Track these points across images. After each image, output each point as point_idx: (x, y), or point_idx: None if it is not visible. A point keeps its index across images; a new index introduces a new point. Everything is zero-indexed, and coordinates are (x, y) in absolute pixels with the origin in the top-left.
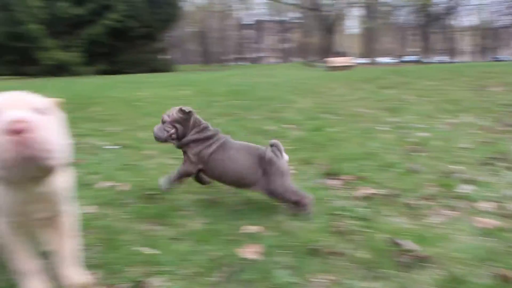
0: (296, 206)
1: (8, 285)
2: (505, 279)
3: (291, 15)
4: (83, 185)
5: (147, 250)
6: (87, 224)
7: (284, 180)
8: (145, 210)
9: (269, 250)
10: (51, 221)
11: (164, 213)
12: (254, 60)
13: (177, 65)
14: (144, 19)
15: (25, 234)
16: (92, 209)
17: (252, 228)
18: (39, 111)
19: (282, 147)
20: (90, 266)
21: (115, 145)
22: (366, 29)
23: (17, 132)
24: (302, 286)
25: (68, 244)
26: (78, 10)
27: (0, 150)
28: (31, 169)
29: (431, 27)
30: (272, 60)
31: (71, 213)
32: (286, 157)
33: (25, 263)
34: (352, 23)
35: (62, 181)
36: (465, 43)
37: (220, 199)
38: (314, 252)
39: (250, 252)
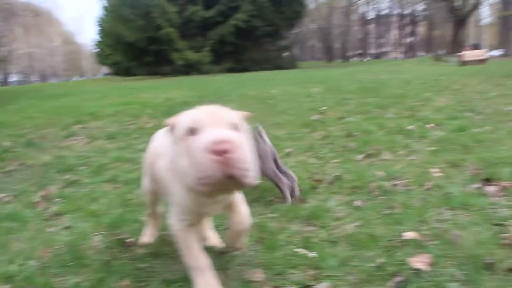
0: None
1: (181, 277)
2: None
3: (416, 7)
4: None
5: (304, 252)
6: None
7: (263, 163)
8: (294, 210)
9: (437, 260)
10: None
11: (315, 214)
12: (377, 56)
13: (301, 62)
14: (269, 18)
15: (197, 231)
16: None
17: (410, 235)
18: (235, 127)
19: (263, 131)
20: (253, 264)
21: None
22: (501, 17)
23: (222, 152)
24: None
25: (240, 212)
26: (208, 13)
27: (204, 168)
28: (230, 186)
29: None
30: (395, 55)
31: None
32: (267, 141)
33: (198, 259)
34: (485, 13)
35: None
36: None
37: (366, 201)
38: (489, 267)
39: (418, 261)
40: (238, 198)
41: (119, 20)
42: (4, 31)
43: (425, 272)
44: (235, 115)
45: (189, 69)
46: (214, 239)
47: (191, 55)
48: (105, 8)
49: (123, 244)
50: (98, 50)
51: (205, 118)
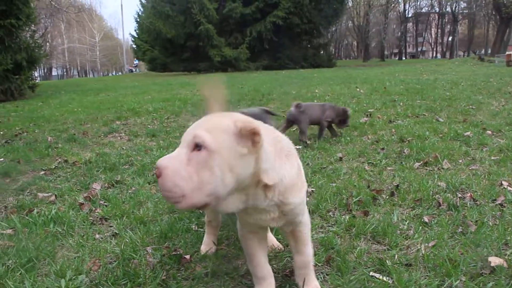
0: None
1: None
2: None
3: (456, 6)
4: None
5: (379, 277)
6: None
7: None
8: (356, 223)
9: None
10: (288, 229)
11: (381, 229)
12: (415, 55)
13: (338, 60)
14: (307, 15)
15: (260, 239)
16: None
17: (497, 261)
18: (197, 146)
19: None
20: None
21: (300, 145)
22: None
23: (157, 176)
24: None
25: (303, 253)
26: (247, 10)
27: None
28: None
29: None
30: (433, 54)
31: (304, 222)
32: None
33: (258, 267)
34: None
35: (294, 195)
36: None
37: (433, 216)
38: None
39: None
40: (304, 234)
41: (158, 16)
42: (48, 27)
43: None
44: (208, 132)
45: (226, 65)
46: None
47: (229, 52)
48: (143, 5)
49: (178, 261)
50: (136, 46)
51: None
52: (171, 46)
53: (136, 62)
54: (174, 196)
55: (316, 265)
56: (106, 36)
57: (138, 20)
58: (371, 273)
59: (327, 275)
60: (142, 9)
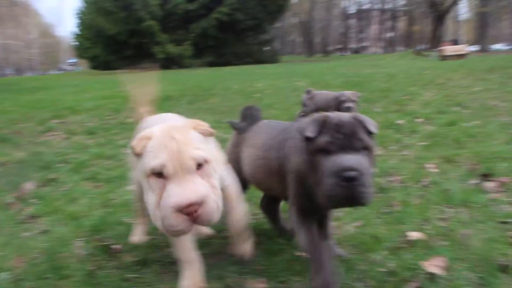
0: None
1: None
2: None
3: (396, 2)
4: None
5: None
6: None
7: None
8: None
9: (450, 263)
10: None
11: None
12: (357, 50)
13: (282, 56)
14: (251, 11)
15: None
16: None
17: (416, 235)
18: (201, 167)
19: None
20: (254, 272)
21: None
22: (478, 14)
23: (190, 213)
24: None
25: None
26: (191, 6)
27: (173, 224)
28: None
29: None
30: (375, 50)
31: (231, 185)
32: None
33: (187, 252)
34: (463, 8)
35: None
36: None
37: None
38: (504, 269)
39: (432, 265)
40: (235, 195)
41: (99, 12)
42: None
43: (441, 276)
44: (198, 148)
45: (170, 63)
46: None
47: (173, 49)
48: (85, 0)
49: (108, 251)
50: (77, 43)
51: (170, 164)
52: (114, 43)
53: (72, 60)
54: (214, 218)
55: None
56: (44, 33)
57: (79, 16)
58: (297, 253)
59: (257, 257)
60: (83, 5)
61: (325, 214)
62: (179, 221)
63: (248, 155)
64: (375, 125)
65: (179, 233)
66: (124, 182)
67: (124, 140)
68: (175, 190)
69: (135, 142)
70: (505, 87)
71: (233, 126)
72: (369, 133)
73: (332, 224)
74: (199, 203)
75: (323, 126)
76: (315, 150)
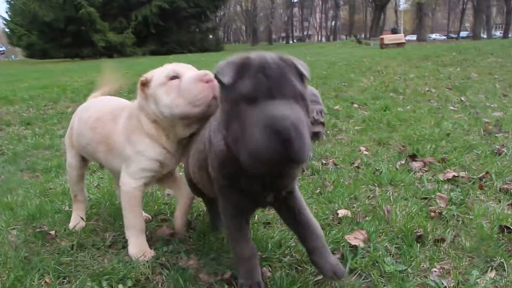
0: None
1: (111, 269)
2: None
3: None
4: None
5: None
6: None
7: None
8: None
9: (372, 236)
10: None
11: None
12: (301, 38)
13: (226, 45)
14: None
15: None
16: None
17: (344, 212)
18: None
19: None
20: (186, 251)
21: None
22: (415, 4)
23: (209, 80)
24: (413, 275)
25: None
26: None
27: (199, 93)
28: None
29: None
30: (318, 38)
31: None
32: None
33: (138, 219)
34: None
35: None
36: None
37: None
38: (419, 239)
39: (354, 238)
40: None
41: None
42: None
43: (362, 248)
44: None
45: (111, 51)
46: None
47: (113, 37)
48: None
49: (44, 238)
50: (9, 30)
51: (181, 67)
52: (50, 30)
53: (2, 48)
54: None
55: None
56: None
57: (9, 1)
58: None
59: (190, 238)
60: None
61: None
62: (202, 88)
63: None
64: (307, 69)
65: (203, 102)
66: (62, 171)
67: (63, 130)
68: (191, 73)
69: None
70: (437, 74)
71: None
72: (302, 78)
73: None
74: (210, 74)
75: (244, 69)
76: (235, 100)
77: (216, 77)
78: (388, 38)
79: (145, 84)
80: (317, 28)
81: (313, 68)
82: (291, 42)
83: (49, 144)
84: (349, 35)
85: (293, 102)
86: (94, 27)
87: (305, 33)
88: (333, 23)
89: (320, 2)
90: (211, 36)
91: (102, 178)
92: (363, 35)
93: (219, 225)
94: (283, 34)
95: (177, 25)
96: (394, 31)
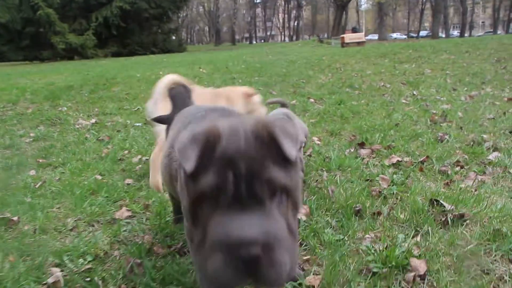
0: None
1: (73, 246)
2: None
3: None
4: (116, 160)
5: None
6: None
7: None
8: None
9: (315, 212)
10: None
11: None
12: (265, 39)
13: (189, 46)
14: (155, 0)
15: None
16: (129, 181)
17: None
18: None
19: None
20: (142, 230)
21: (141, 122)
22: (376, 4)
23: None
24: (349, 242)
25: None
26: None
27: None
28: None
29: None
30: (282, 38)
31: None
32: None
33: None
34: None
35: None
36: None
37: None
38: (357, 213)
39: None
40: None
41: None
42: None
43: (304, 221)
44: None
45: (72, 53)
46: None
47: (74, 39)
48: None
49: (6, 224)
50: None
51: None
52: (6, 32)
53: None
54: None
55: (138, 212)
56: None
57: None
58: None
59: (147, 219)
60: None
61: None
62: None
63: (163, 153)
64: (295, 141)
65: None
66: (24, 168)
67: (23, 130)
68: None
69: None
70: (393, 70)
71: (158, 121)
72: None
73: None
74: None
75: (209, 153)
76: (197, 197)
77: (179, 159)
78: (349, 37)
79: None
80: (280, 28)
81: (273, 67)
82: (254, 42)
83: (9, 144)
84: (312, 35)
85: (268, 208)
86: (53, 29)
87: (268, 33)
88: (295, 23)
89: (283, 3)
90: (173, 37)
91: (63, 173)
92: (325, 35)
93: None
94: (247, 35)
95: (139, 26)
96: (355, 30)
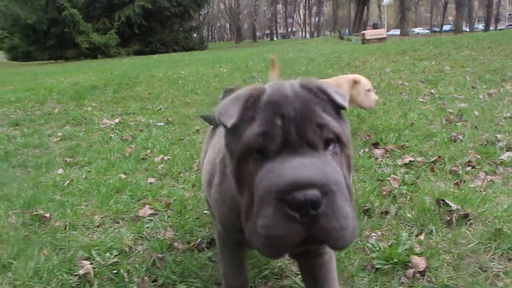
0: None
1: (101, 241)
2: None
3: None
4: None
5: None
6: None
7: None
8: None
9: None
10: None
11: None
12: (286, 35)
13: (210, 43)
14: None
15: None
16: (151, 180)
17: None
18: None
19: None
20: (164, 227)
21: (163, 122)
22: None
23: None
24: (357, 240)
25: None
26: None
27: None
28: None
29: None
30: (302, 34)
31: None
32: None
33: None
34: None
35: None
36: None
37: None
38: (366, 212)
39: None
40: None
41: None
42: None
43: None
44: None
45: (96, 52)
46: None
47: (97, 38)
48: None
49: (40, 220)
50: None
51: None
52: (33, 33)
53: None
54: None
55: (160, 210)
56: None
57: None
58: (204, 211)
59: (168, 217)
60: None
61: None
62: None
63: (206, 157)
64: (343, 95)
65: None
66: (52, 167)
67: (50, 129)
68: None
69: None
70: (412, 68)
71: (205, 119)
72: (337, 110)
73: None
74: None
75: (254, 107)
76: (242, 153)
77: (219, 119)
78: (369, 33)
79: None
80: (301, 24)
81: (293, 64)
82: (275, 39)
83: (38, 143)
84: (333, 31)
85: (322, 154)
86: (77, 29)
87: (289, 29)
88: (316, 19)
89: None
90: (195, 35)
91: (89, 171)
92: (347, 31)
93: None
94: (267, 31)
95: (161, 25)
96: (375, 26)
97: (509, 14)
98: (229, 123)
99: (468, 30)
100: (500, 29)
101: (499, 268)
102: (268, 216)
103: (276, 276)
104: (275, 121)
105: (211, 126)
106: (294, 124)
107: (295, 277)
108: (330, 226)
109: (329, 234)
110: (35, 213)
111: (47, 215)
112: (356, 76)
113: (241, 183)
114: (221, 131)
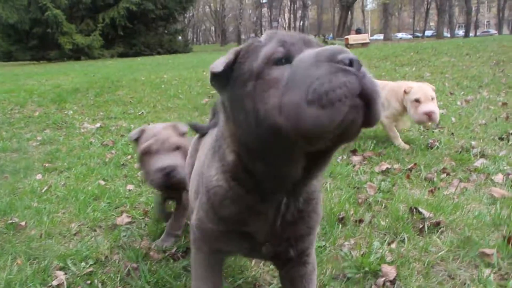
0: None
1: (76, 251)
2: (509, 240)
3: None
4: (119, 165)
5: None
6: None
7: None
8: None
9: None
10: None
11: None
12: None
13: (196, 45)
14: (161, 1)
15: None
16: (130, 187)
17: None
18: None
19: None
20: (140, 235)
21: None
22: (382, 4)
23: None
24: (330, 249)
25: None
26: None
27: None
28: None
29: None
30: None
31: None
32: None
33: None
34: None
35: None
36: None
37: None
38: (341, 221)
39: None
40: None
41: None
42: None
43: None
44: None
45: (79, 53)
46: None
47: (81, 39)
48: None
49: (15, 229)
50: None
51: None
52: (15, 32)
53: None
54: None
55: (138, 218)
56: None
57: None
58: None
59: (145, 225)
60: None
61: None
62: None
63: (194, 169)
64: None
65: None
66: (30, 172)
67: (30, 133)
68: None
69: None
70: (394, 74)
71: (192, 128)
72: None
73: None
74: None
75: (249, 49)
76: (260, 68)
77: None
78: (353, 38)
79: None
80: (286, 28)
81: None
82: None
83: (17, 147)
84: (318, 35)
85: None
86: (60, 29)
87: None
88: (301, 23)
89: (289, 2)
90: (179, 38)
91: (68, 177)
92: (331, 35)
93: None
94: (253, 35)
95: (145, 27)
96: (358, 31)
97: (487, 21)
98: (218, 69)
99: (449, 35)
100: (477, 36)
101: (466, 276)
102: (322, 76)
103: (249, 286)
104: (285, 38)
105: (194, 139)
106: (301, 36)
107: (269, 286)
108: (375, 88)
109: (375, 95)
110: (10, 221)
111: (23, 223)
112: (407, 87)
113: (244, 105)
114: (207, 140)
